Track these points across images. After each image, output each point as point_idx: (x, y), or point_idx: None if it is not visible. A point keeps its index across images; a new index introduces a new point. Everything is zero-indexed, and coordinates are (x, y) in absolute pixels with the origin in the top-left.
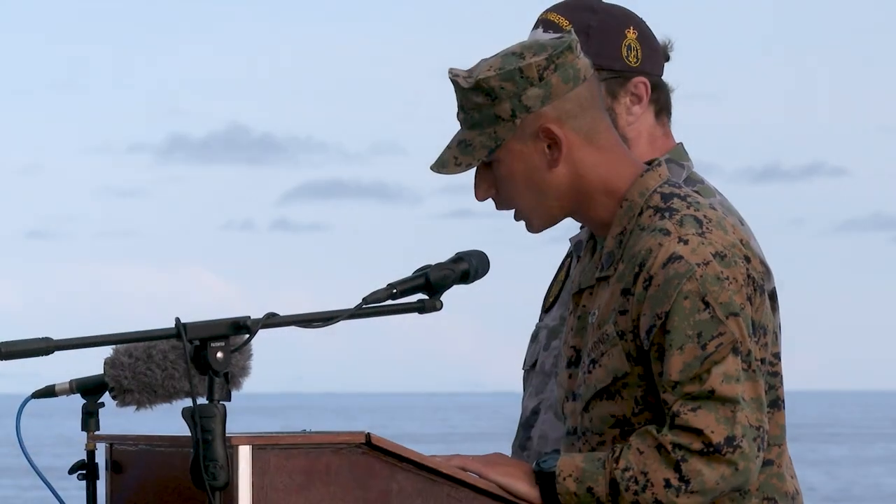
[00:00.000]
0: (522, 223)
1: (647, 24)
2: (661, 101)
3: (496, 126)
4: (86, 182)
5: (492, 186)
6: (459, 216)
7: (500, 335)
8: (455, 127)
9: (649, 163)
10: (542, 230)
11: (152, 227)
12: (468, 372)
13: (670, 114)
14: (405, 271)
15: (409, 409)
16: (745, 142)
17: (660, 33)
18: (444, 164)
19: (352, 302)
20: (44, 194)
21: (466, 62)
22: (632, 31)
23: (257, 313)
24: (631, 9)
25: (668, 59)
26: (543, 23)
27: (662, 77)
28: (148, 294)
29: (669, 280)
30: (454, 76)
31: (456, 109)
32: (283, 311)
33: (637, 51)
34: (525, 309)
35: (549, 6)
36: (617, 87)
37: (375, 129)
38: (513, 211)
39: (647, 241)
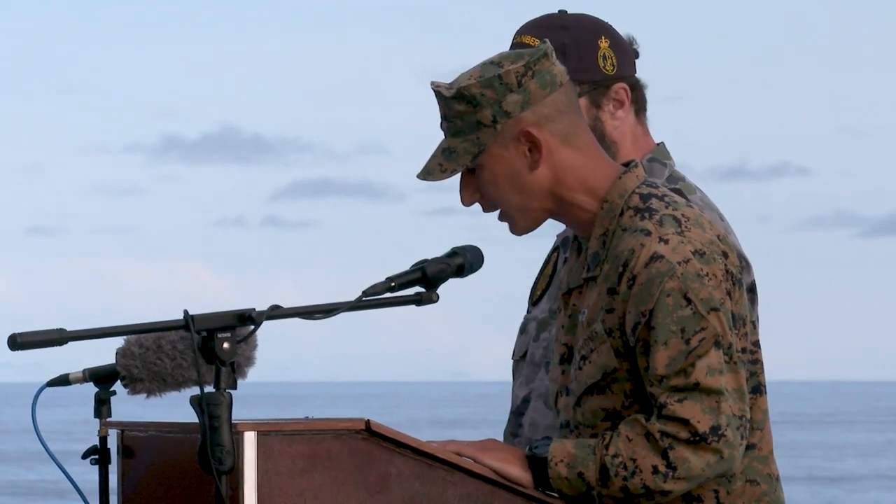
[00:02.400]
0: (506, 224)
1: (613, 26)
2: (639, 101)
3: (478, 132)
4: (83, 181)
5: (476, 191)
6: (442, 213)
7: (482, 328)
8: (439, 135)
9: (626, 164)
10: (526, 232)
11: (148, 223)
12: (451, 363)
13: (646, 110)
14: (390, 266)
15: (395, 397)
16: (712, 142)
17: (623, 32)
18: (430, 172)
19: (341, 294)
20: (44, 192)
21: (448, 66)
22: (604, 40)
23: (250, 306)
24: (598, 12)
25: (637, 56)
26: (518, 46)
27: (636, 75)
28: (144, 287)
29: (652, 279)
30: (436, 87)
31: (439, 120)
32: (274, 304)
33: (612, 58)
34: (506, 302)
35: (521, 26)
36: (599, 97)
37: (361, 130)
38: (497, 212)
39: (629, 242)
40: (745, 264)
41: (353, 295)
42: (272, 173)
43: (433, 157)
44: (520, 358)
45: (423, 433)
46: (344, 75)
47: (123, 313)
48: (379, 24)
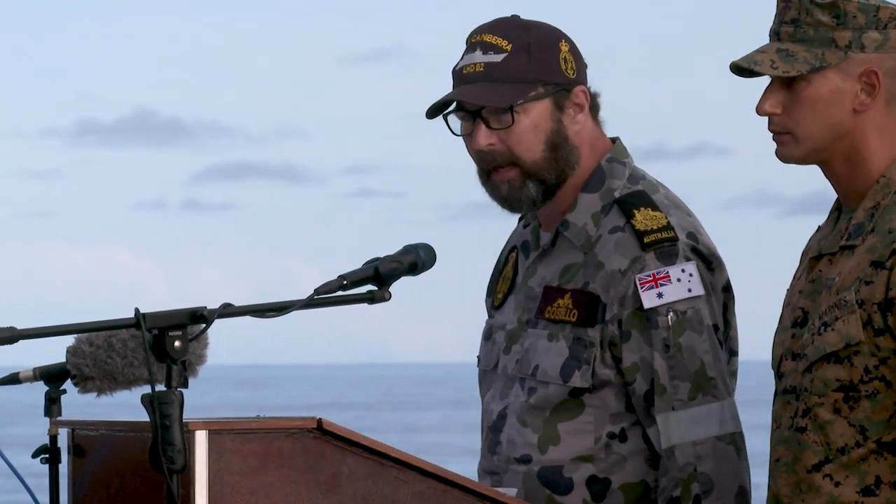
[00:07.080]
0: (778, 139)
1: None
2: (595, 107)
3: (826, 49)
4: (1, 165)
5: (780, 104)
6: (361, 195)
7: (402, 310)
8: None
9: None
10: (793, 161)
11: (68, 208)
12: (374, 344)
13: (598, 114)
14: (312, 248)
15: (314, 379)
16: (630, 123)
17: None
18: (757, 63)
19: (264, 276)
20: None
21: (364, 49)
22: (563, 43)
23: (172, 288)
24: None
25: (586, 65)
26: (481, 45)
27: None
28: (66, 271)
29: None
30: None
31: (777, 23)
32: (196, 287)
33: (572, 62)
34: (423, 286)
35: (478, 26)
36: (563, 100)
37: (279, 113)
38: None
39: None
40: (716, 263)
41: (285, 284)
42: (190, 157)
43: (762, 52)
44: (491, 369)
45: (345, 416)
46: (261, 58)
47: (48, 297)
48: (296, 6)
